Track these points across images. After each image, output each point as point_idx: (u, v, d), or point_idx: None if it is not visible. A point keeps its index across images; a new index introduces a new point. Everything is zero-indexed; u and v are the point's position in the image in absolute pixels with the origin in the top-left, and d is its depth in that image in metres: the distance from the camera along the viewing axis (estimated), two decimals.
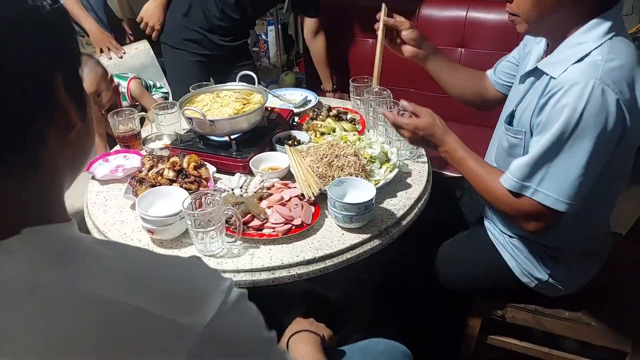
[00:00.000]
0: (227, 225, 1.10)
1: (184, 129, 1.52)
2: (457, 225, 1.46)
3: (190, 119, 1.33)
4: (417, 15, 2.04)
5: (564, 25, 1.02)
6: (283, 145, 1.38)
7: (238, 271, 1.05)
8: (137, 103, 2.11)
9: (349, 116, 1.62)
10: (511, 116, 1.17)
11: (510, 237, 1.24)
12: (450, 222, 1.50)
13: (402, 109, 1.26)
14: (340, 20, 2.30)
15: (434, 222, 1.50)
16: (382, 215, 1.20)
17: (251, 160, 1.32)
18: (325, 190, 1.15)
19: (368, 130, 1.52)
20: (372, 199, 1.11)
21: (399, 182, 1.32)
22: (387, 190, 1.29)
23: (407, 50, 1.39)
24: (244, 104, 1.41)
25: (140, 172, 1.29)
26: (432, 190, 1.36)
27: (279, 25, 4.00)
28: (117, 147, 1.54)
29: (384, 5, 1.41)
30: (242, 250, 1.09)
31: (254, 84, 1.52)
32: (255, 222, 1.13)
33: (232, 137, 1.38)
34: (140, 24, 2.10)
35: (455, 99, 1.48)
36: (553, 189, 1.00)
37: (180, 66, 2.13)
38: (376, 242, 1.14)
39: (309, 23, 2.16)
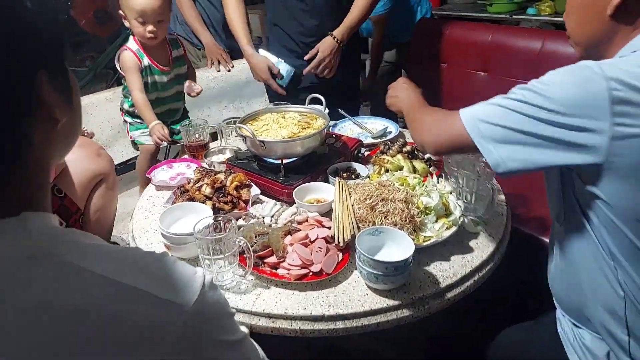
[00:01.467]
0: (243, 255, 1.01)
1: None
2: (531, 305, 1.17)
3: (244, 138, 1.28)
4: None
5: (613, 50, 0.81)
6: (336, 177, 1.25)
7: (237, 310, 0.94)
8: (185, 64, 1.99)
9: (427, 155, 1.43)
10: None
11: (579, 329, 0.93)
12: (523, 298, 1.20)
13: None
14: (434, 47, 2.11)
15: (502, 296, 1.22)
16: (422, 281, 0.99)
17: (297, 189, 1.21)
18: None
19: (440, 176, 1.31)
20: (405, 260, 0.92)
21: (459, 244, 1.09)
22: (440, 250, 1.07)
23: None
24: (303, 128, 1.32)
25: (189, 183, 1.27)
26: (507, 259, 1.11)
27: None
28: (186, 155, 1.57)
29: None
30: (250, 287, 0.99)
31: (324, 107, 1.42)
32: (273, 259, 1.02)
33: (286, 161, 1.29)
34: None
35: None
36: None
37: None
38: (405, 312, 0.94)
39: None
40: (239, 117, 1.42)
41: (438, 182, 1.21)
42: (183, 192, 1.24)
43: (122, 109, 1.93)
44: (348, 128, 1.71)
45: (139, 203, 1.32)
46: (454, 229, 1.07)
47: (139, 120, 1.92)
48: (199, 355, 0.50)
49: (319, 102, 1.43)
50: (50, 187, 0.56)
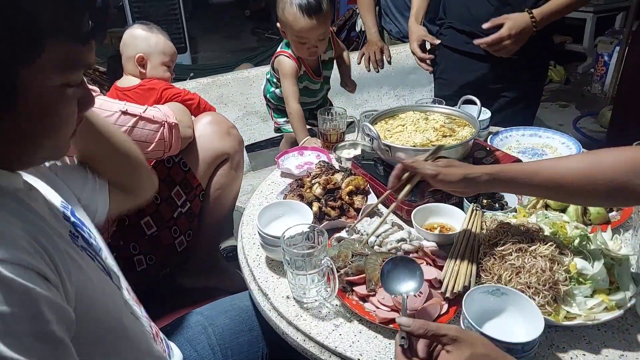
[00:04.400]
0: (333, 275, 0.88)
1: None
2: None
3: (371, 138, 1.13)
4: None
5: None
6: (472, 203, 1.01)
7: (309, 337, 0.83)
8: None
9: None
10: None
11: None
12: None
13: None
14: None
15: None
16: None
17: (418, 208, 1.02)
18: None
19: (617, 231, 0.96)
20: (525, 344, 0.68)
21: (619, 334, 0.78)
22: (589, 336, 0.77)
23: None
24: (444, 136, 1.10)
25: (308, 176, 1.19)
26: None
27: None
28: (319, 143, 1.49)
29: None
30: (330, 314, 0.86)
31: (477, 112, 1.17)
32: (364, 289, 0.87)
33: None
34: None
35: None
36: None
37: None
38: None
39: None
40: (376, 111, 1.26)
41: (612, 239, 0.88)
42: (298, 186, 1.16)
43: (264, 94, 1.87)
44: (515, 139, 1.40)
45: (260, 187, 1.30)
46: (617, 312, 0.76)
47: (282, 107, 1.79)
48: None
49: (475, 104, 1.19)
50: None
